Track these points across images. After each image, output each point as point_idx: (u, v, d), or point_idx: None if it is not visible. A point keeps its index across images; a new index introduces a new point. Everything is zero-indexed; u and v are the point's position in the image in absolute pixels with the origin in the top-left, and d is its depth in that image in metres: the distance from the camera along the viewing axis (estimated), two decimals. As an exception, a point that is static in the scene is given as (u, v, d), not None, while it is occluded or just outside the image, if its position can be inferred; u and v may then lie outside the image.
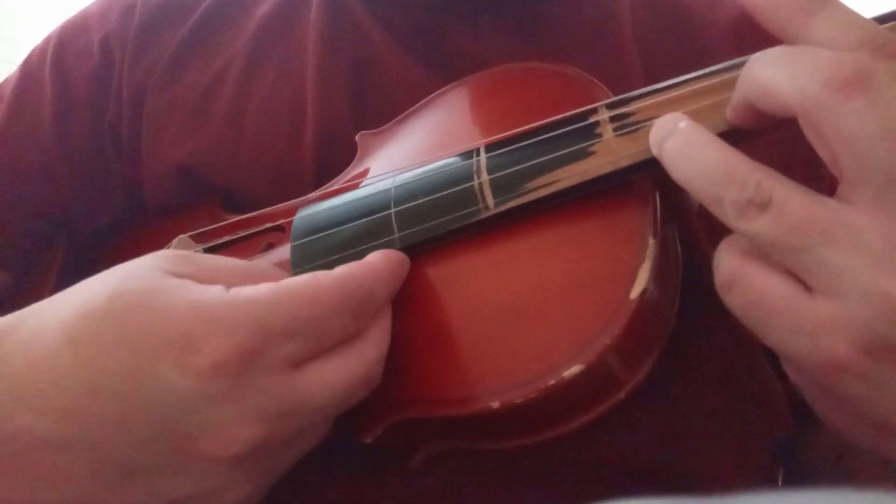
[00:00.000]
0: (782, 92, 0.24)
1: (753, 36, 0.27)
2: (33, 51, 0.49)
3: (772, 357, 0.32)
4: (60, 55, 0.47)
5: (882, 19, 0.27)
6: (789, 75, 0.23)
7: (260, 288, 0.26)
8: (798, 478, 0.39)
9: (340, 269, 0.28)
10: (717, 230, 0.26)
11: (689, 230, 0.36)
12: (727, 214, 0.24)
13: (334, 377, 0.27)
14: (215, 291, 0.26)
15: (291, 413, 0.26)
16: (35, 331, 0.26)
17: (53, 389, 0.24)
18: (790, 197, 0.23)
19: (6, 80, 0.49)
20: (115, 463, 0.24)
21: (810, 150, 0.24)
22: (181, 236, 0.39)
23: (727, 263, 0.25)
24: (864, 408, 0.24)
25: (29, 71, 0.48)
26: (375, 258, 0.30)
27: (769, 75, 0.24)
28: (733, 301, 0.25)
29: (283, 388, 0.26)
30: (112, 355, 0.24)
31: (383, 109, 0.40)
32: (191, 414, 0.24)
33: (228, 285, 0.26)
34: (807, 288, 0.23)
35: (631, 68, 0.41)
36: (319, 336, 0.26)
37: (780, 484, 0.38)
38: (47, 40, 0.49)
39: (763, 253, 0.25)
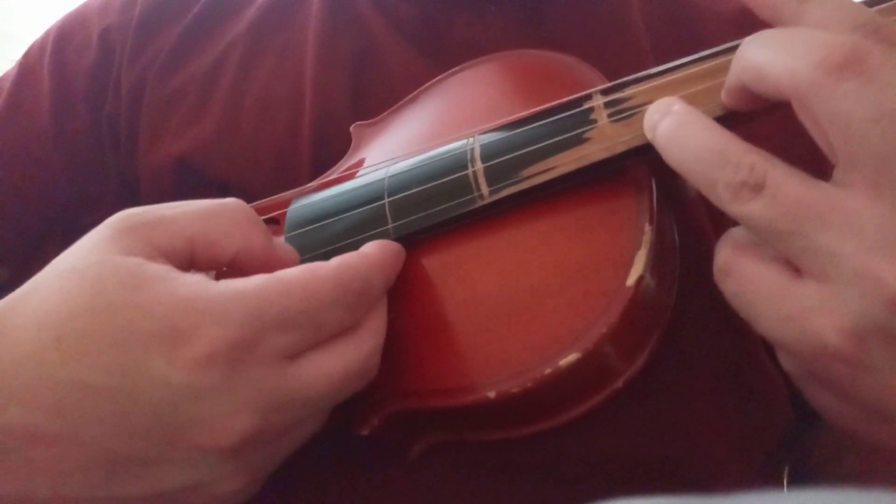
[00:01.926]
0: (775, 74, 0.23)
1: (755, 28, 0.27)
2: (33, 45, 0.49)
3: (770, 349, 0.32)
4: (59, 49, 0.47)
5: (871, 3, 0.27)
6: (782, 57, 0.23)
7: (252, 279, 0.26)
8: (804, 475, 0.38)
9: (336, 261, 0.28)
10: (722, 220, 0.26)
11: (691, 220, 0.36)
12: (721, 198, 0.24)
13: (330, 368, 0.26)
14: (201, 284, 0.25)
15: (286, 405, 0.26)
16: (16, 328, 0.25)
17: (43, 387, 0.24)
18: (784, 180, 0.23)
19: (6, 74, 0.49)
20: (108, 457, 0.24)
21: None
22: None
23: (723, 253, 0.25)
24: (854, 394, 0.24)
25: (28, 65, 0.48)
26: (371, 248, 0.29)
27: (762, 57, 0.24)
28: (727, 289, 0.25)
29: (277, 380, 0.25)
30: (101, 353, 0.24)
31: (383, 101, 0.40)
32: (183, 407, 0.24)
33: (190, 246, 0.27)
34: (799, 273, 0.23)
35: (645, 62, 0.41)
36: (315, 328, 0.26)
37: (785, 481, 0.38)
38: (47, 34, 0.49)
39: (758, 239, 0.24)
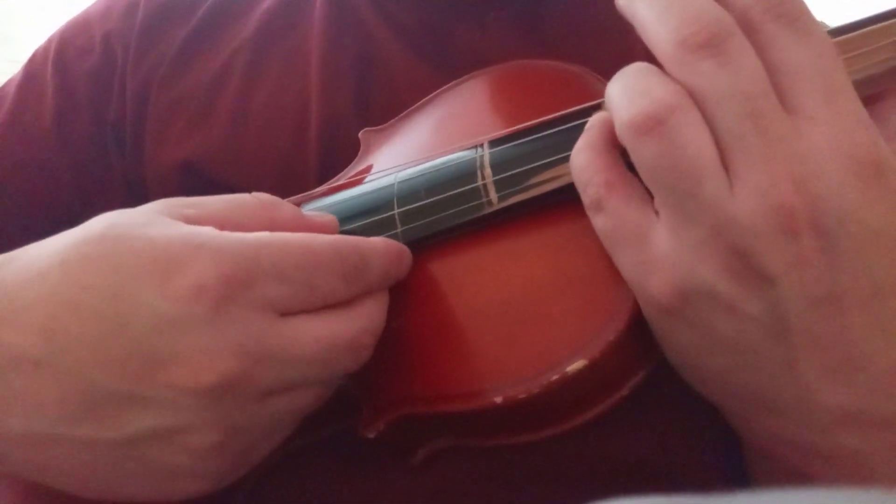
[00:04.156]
0: (650, 37, 0.25)
1: None
2: (37, 50, 0.49)
3: None
4: (62, 53, 0.47)
5: (834, 33, 0.28)
6: (657, 22, 0.25)
7: (253, 233, 0.26)
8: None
9: (338, 235, 0.28)
10: None
11: None
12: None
13: (318, 332, 0.27)
14: (206, 228, 0.26)
15: (269, 358, 0.25)
16: (30, 258, 0.26)
17: (37, 305, 0.24)
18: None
19: (10, 80, 0.49)
20: (84, 389, 0.24)
21: None
22: None
23: (596, 185, 0.27)
24: (671, 344, 0.27)
25: (32, 70, 0.48)
26: (375, 238, 0.30)
27: (644, 14, 0.25)
28: (598, 224, 0.28)
29: (265, 328, 0.25)
30: (97, 274, 0.24)
31: (387, 107, 0.40)
32: (165, 337, 0.24)
33: (219, 227, 0.27)
34: (658, 218, 0.26)
35: None
36: (308, 288, 0.26)
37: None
38: (50, 40, 0.49)
39: (629, 179, 0.27)
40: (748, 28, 0.24)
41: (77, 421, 0.25)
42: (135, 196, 0.45)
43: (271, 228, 0.29)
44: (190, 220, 0.27)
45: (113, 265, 0.24)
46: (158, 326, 0.24)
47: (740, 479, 0.33)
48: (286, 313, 0.26)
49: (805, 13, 0.24)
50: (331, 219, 0.32)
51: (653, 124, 0.24)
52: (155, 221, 0.26)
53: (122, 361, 0.24)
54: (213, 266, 0.24)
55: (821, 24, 0.25)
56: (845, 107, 0.23)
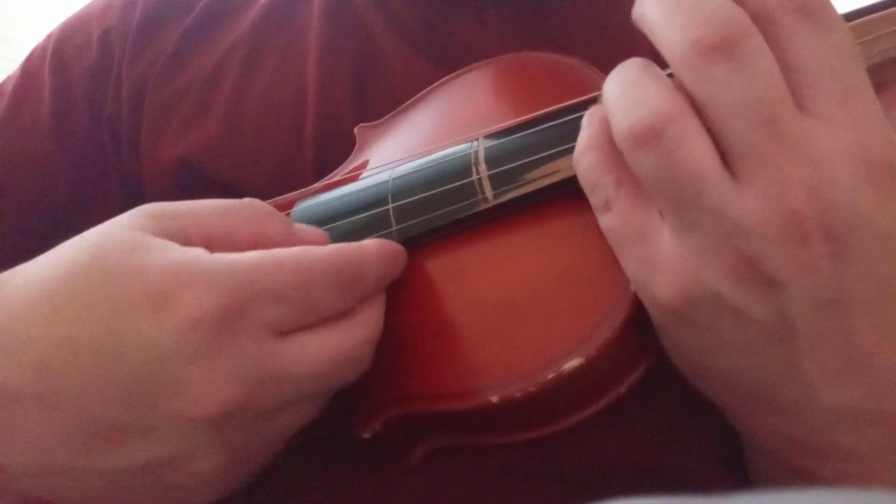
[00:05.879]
0: (660, 40, 0.24)
1: None
2: (35, 48, 0.49)
3: None
4: (60, 50, 0.47)
5: (849, 17, 0.27)
6: (666, 23, 0.24)
7: (248, 253, 0.26)
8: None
9: (332, 245, 0.28)
10: None
11: None
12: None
13: (318, 349, 0.26)
14: (197, 252, 0.26)
15: (270, 381, 0.25)
16: (16, 289, 0.26)
17: (30, 343, 0.24)
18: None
19: (8, 77, 0.49)
20: (86, 422, 0.24)
21: None
22: None
23: (605, 185, 0.27)
24: (675, 344, 0.27)
25: (30, 67, 0.48)
26: (369, 242, 0.30)
27: (653, 14, 0.24)
28: (605, 222, 0.27)
29: (264, 352, 0.25)
30: (90, 309, 0.24)
31: (385, 103, 0.40)
32: (165, 369, 0.24)
33: (206, 239, 0.27)
34: (662, 219, 0.25)
35: None
36: (305, 306, 0.26)
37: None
38: (48, 37, 0.49)
39: (635, 177, 0.26)
40: (765, 21, 0.23)
41: (82, 453, 0.25)
42: (132, 193, 0.45)
43: (261, 240, 0.28)
44: (177, 235, 0.27)
45: (104, 300, 0.24)
46: (157, 359, 0.24)
47: (741, 479, 0.32)
48: (285, 332, 0.26)
49: (826, 6, 0.23)
50: (321, 233, 0.31)
51: (649, 136, 0.23)
52: (142, 245, 0.25)
53: (122, 394, 0.24)
54: (208, 296, 0.24)
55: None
56: (862, 108, 0.23)
